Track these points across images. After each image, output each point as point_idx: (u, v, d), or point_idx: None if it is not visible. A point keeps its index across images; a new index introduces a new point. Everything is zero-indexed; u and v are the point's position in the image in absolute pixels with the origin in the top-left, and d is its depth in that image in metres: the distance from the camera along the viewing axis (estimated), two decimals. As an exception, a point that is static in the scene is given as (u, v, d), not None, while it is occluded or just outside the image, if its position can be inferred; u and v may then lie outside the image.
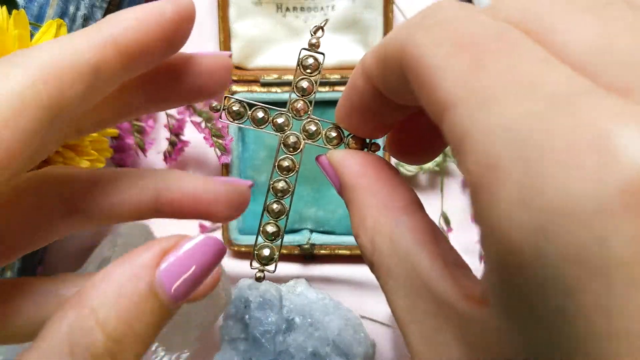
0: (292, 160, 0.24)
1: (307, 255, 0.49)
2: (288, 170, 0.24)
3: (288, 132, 0.24)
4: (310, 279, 0.48)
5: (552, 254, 0.11)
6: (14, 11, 0.29)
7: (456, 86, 0.14)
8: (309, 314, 0.44)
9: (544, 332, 0.12)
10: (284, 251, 0.49)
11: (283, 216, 0.24)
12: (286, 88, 0.50)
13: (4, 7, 0.29)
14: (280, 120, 0.24)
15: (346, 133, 0.23)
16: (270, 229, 0.24)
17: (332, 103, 0.49)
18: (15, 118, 0.17)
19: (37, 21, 0.42)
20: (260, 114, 0.23)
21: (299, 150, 0.24)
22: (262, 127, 0.23)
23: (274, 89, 0.50)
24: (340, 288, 0.49)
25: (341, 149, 0.23)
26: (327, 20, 0.24)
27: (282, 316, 0.44)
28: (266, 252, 0.24)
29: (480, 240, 0.13)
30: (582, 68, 0.13)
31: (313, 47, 0.24)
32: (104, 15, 0.45)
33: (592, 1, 0.14)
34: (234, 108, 0.23)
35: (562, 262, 0.11)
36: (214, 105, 0.23)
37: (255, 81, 0.50)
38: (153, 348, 0.42)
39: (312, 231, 0.49)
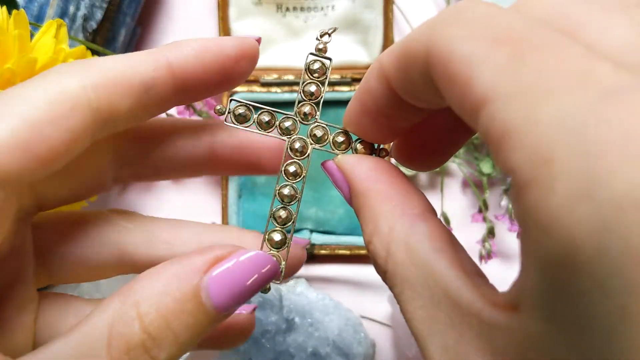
0: (299, 165, 0.23)
1: (307, 255, 0.49)
2: (295, 175, 0.23)
3: (295, 136, 0.23)
4: (310, 279, 0.48)
5: (616, 248, 0.10)
6: (14, 11, 0.29)
7: (496, 80, 0.13)
8: (309, 314, 0.44)
9: (597, 335, 0.11)
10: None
11: (289, 223, 0.23)
12: (286, 88, 0.50)
13: (4, 7, 0.29)
14: (287, 124, 0.23)
15: (354, 137, 0.23)
16: (277, 236, 0.23)
17: (332, 103, 0.49)
18: (65, 118, 0.18)
19: (37, 21, 0.42)
20: (267, 118, 0.23)
21: (306, 155, 0.23)
22: (269, 131, 0.23)
23: (274, 89, 0.50)
24: (340, 288, 0.49)
25: (350, 154, 0.22)
26: (335, 29, 0.24)
27: (282, 316, 0.44)
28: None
29: (524, 242, 0.13)
30: (620, 63, 0.13)
31: (320, 52, 0.23)
32: (104, 15, 0.45)
33: (621, 1, 0.14)
34: (240, 111, 0.23)
35: (627, 258, 0.10)
36: (218, 108, 0.23)
37: (255, 81, 0.50)
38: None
39: (312, 231, 0.49)
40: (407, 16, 0.51)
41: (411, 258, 0.18)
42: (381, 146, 0.23)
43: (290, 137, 0.23)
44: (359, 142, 0.23)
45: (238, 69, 0.22)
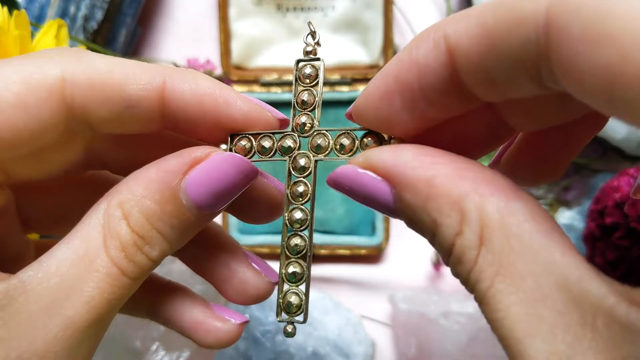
0: (304, 183, 0.21)
1: (307, 255, 0.49)
2: (302, 195, 0.21)
3: (295, 153, 0.21)
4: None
5: None
6: (15, 12, 0.29)
7: None
8: (309, 313, 0.44)
9: None
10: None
11: (305, 250, 0.20)
12: (286, 88, 0.50)
13: (5, 8, 0.29)
14: (286, 144, 0.21)
15: (359, 135, 0.20)
16: (293, 269, 0.21)
17: (332, 103, 0.49)
18: (36, 106, 0.18)
19: (37, 21, 0.42)
20: (267, 143, 0.21)
21: (308, 170, 0.21)
22: (270, 155, 0.21)
23: (274, 89, 0.50)
24: (340, 288, 0.49)
25: (377, 148, 0.18)
26: (310, 23, 0.22)
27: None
28: (293, 299, 0.21)
29: None
30: None
31: (309, 54, 0.22)
32: (105, 15, 0.45)
33: None
34: (242, 144, 0.21)
35: None
36: (223, 148, 0.21)
37: (255, 81, 0.50)
38: (154, 348, 0.42)
39: (312, 231, 0.49)
40: (407, 16, 0.52)
41: (511, 244, 0.14)
42: (392, 138, 0.19)
43: (292, 156, 0.21)
44: (367, 136, 0.20)
45: (238, 129, 0.21)
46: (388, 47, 0.50)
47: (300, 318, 0.21)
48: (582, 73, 0.12)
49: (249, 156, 0.21)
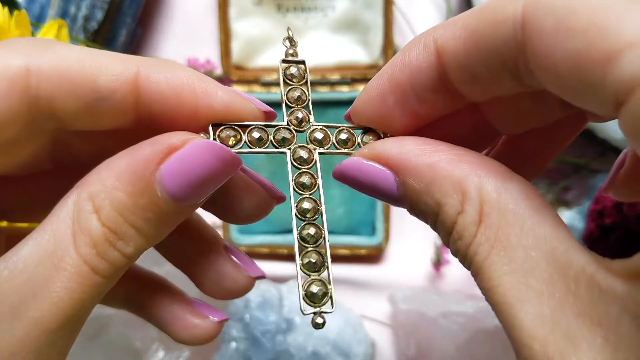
0: (309, 174, 0.20)
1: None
2: (309, 186, 0.20)
3: (294, 145, 0.21)
4: (310, 279, 0.48)
5: None
6: (15, 12, 0.29)
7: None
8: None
9: None
10: (284, 251, 0.49)
11: (321, 239, 0.20)
12: (286, 88, 0.50)
13: (6, 8, 0.29)
14: (282, 136, 0.21)
15: (358, 133, 0.21)
16: (312, 258, 0.20)
17: (332, 103, 0.49)
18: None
19: (38, 21, 0.42)
20: (257, 135, 0.20)
21: (312, 163, 0.21)
22: (264, 146, 0.20)
23: (274, 89, 0.50)
24: (340, 288, 0.49)
25: (381, 140, 0.20)
26: (289, 28, 0.22)
27: (282, 316, 0.44)
28: (316, 288, 0.20)
29: None
30: None
31: (291, 56, 0.21)
32: (105, 15, 0.45)
33: None
34: (225, 134, 0.20)
35: None
36: (202, 136, 0.19)
37: (255, 81, 0.50)
38: (154, 348, 0.42)
39: (312, 231, 0.49)
40: (407, 16, 0.52)
41: (506, 218, 0.16)
42: (386, 135, 0.21)
43: (291, 148, 0.21)
44: (367, 134, 0.21)
45: (219, 121, 0.19)
46: (388, 47, 0.50)
47: (327, 307, 0.20)
48: (554, 62, 0.14)
49: (237, 147, 0.20)
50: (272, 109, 0.21)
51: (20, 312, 0.16)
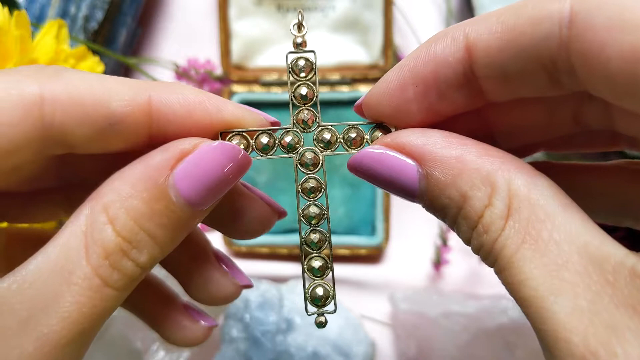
0: (315, 179, 0.21)
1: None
2: (314, 191, 0.21)
3: (301, 149, 0.21)
4: (310, 279, 0.49)
5: None
6: (15, 12, 0.29)
7: None
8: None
9: None
10: (284, 251, 0.49)
11: (325, 244, 0.21)
12: (286, 88, 0.50)
13: (6, 8, 0.29)
14: (288, 139, 0.20)
15: (366, 130, 0.21)
16: (316, 263, 0.21)
17: (332, 103, 0.49)
18: (9, 125, 0.17)
19: (38, 22, 0.42)
20: (265, 139, 0.20)
21: (319, 166, 0.21)
22: (271, 153, 0.21)
23: (274, 89, 0.50)
24: (340, 288, 0.49)
25: (403, 131, 0.19)
26: (301, 12, 0.21)
27: (282, 316, 0.44)
28: (320, 291, 0.21)
29: None
30: None
31: (300, 47, 0.21)
32: (105, 15, 0.45)
33: None
34: (234, 140, 0.20)
35: None
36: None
37: (255, 81, 0.50)
38: (154, 348, 0.42)
39: (312, 231, 0.49)
40: (407, 16, 0.52)
41: (536, 214, 0.16)
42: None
43: (297, 152, 0.21)
44: (378, 129, 0.20)
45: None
46: (388, 47, 0.50)
47: (330, 308, 0.21)
48: (607, 58, 0.14)
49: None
50: (277, 120, 0.21)
51: (29, 328, 0.16)
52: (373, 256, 0.50)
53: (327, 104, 0.49)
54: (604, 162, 0.22)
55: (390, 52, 0.50)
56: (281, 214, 0.24)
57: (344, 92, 0.50)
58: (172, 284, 0.25)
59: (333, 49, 0.51)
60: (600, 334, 0.14)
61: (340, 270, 0.50)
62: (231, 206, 0.22)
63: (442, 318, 0.45)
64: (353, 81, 0.50)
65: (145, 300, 0.24)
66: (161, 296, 0.24)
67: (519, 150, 0.21)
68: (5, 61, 0.29)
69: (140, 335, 0.42)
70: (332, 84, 0.50)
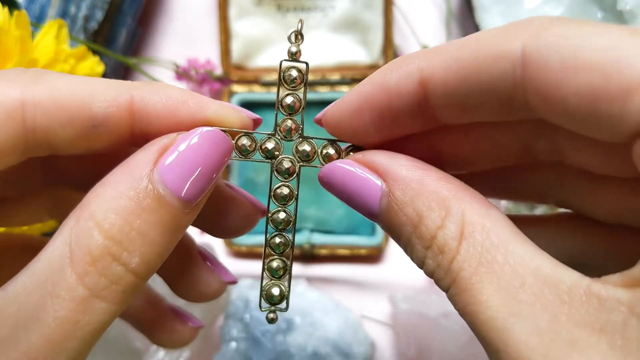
0: (288, 187, 0.21)
1: (307, 255, 0.49)
2: (286, 198, 0.21)
3: (280, 157, 0.21)
4: (310, 279, 0.48)
5: None
6: (15, 12, 0.29)
7: None
8: (309, 313, 0.44)
9: None
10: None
11: (287, 249, 0.22)
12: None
13: (6, 8, 0.29)
14: (270, 146, 0.21)
15: (343, 146, 0.21)
16: (275, 265, 0.22)
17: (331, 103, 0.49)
18: None
19: (38, 21, 0.42)
20: (246, 142, 0.20)
21: (294, 175, 0.21)
22: (250, 155, 0.21)
23: (273, 89, 0.50)
24: (340, 288, 0.49)
25: (372, 152, 0.20)
26: (301, 21, 0.22)
27: (282, 316, 0.44)
28: (275, 291, 0.22)
29: None
30: None
31: (294, 56, 0.21)
32: (105, 15, 0.45)
33: None
34: None
35: None
36: None
37: (255, 81, 0.50)
38: (154, 348, 0.42)
39: (312, 231, 0.49)
40: (407, 16, 0.52)
41: (490, 239, 0.16)
42: (351, 147, 0.21)
43: (276, 158, 0.21)
44: (352, 150, 0.21)
45: None
46: (388, 48, 0.50)
47: (282, 306, 0.22)
48: (563, 96, 0.15)
49: None
50: (259, 116, 0.21)
51: (9, 346, 0.15)
52: (373, 256, 0.50)
53: (327, 104, 0.49)
54: (553, 213, 0.23)
55: (390, 52, 0.50)
56: (264, 212, 0.24)
57: (344, 92, 0.50)
58: (157, 284, 0.25)
59: (333, 49, 0.51)
60: (563, 351, 0.14)
61: (340, 270, 0.50)
62: (215, 206, 0.22)
63: (442, 318, 0.45)
64: (353, 81, 0.50)
65: (133, 305, 0.24)
66: (148, 300, 0.25)
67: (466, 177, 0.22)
68: (5, 61, 0.29)
69: (140, 335, 0.42)
70: (332, 84, 0.50)
